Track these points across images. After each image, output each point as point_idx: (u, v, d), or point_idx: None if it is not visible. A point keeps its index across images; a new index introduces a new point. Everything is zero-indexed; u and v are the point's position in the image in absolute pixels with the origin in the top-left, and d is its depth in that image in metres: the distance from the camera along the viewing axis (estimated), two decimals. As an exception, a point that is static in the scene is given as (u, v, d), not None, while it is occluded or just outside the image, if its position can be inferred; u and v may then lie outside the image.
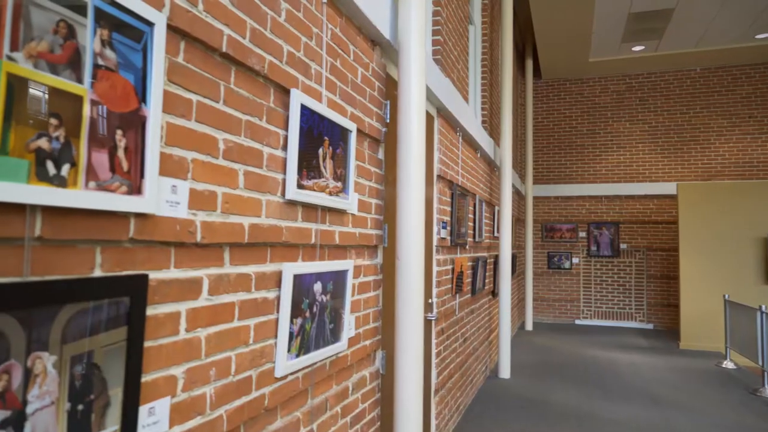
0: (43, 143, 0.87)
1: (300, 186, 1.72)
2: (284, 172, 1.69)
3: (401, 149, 2.41)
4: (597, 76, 10.11)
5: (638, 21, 7.75)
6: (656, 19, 7.65)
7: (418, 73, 2.43)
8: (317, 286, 1.86)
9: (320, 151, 1.86)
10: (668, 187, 9.48)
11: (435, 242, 3.64)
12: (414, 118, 2.40)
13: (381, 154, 2.60)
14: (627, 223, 9.76)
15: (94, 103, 0.97)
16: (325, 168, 1.90)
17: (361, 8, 2.18)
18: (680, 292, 7.80)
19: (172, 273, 1.23)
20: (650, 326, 9.54)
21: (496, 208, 6.44)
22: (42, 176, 0.88)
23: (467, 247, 4.73)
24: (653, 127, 9.73)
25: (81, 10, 0.95)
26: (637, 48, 8.77)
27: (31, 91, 0.85)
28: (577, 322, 9.97)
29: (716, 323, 7.64)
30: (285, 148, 1.70)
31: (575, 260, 10.05)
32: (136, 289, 1.08)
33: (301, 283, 1.74)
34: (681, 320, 7.77)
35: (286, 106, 1.71)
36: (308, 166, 1.78)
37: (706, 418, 4.51)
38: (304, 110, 1.74)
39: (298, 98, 1.69)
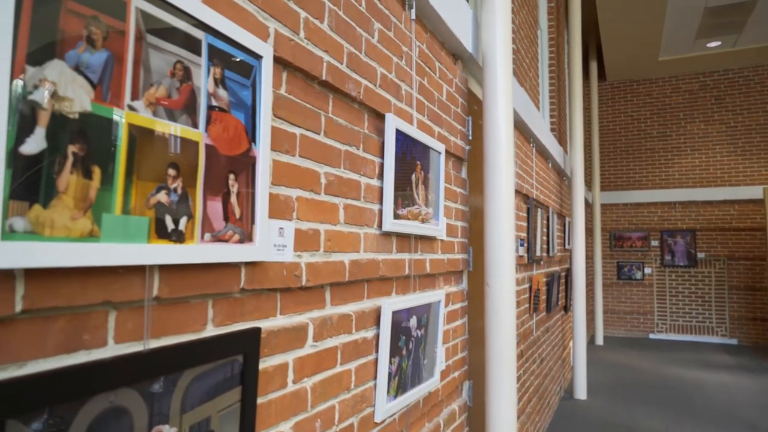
0: (162, 197, 0.80)
1: (396, 216, 1.61)
2: (380, 203, 1.59)
3: (489, 170, 2.27)
4: (667, 75, 9.58)
5: (715, 15, 7.27)
6: (736, 12, 7.15)
7: (504, 89, 2.28)
8: (413, 321, 1.74)
9: (413, 176, 1.75)
10: (751, 191, 8.81)
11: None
12: (502, 136, 2.26)
13: (464, 173, 2.47)
14: (704, 230, 9.15)
15: (208, 147, 0.90)
16: (417, 194, 1.79)
17: (446, 21, 2.07)
18: (770, 305, 7.19)
19: (279, 321, 1.15)
20: (734, 341, 8.87)
21: (567, 219, 6.15)
22: (161, 233, 0.80)
23: (542, 263, 4.51)
24: (731, 127, 9.10)
25: (195, 48, 0.87)
26: (713, 44, 8.23)
27: (150, 141, 0.78)
28: (651, 336, 9.42)
29: (814, 340, 6.98)
30: (381, 176, 1.59)
31: (647, 270, 9.51)
32: (250, 345, 0.99)
33: (398, 319, 1.63)
34: (772, 336, 7.15)
35: (379, 132, 1.61)
36: (402, 194, 1.67)
37: (817, 451, 4.07)
38: (399, 135, 1.63)
39: (392, 123, 1.59)
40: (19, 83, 0.60)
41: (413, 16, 1.85)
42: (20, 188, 0.60)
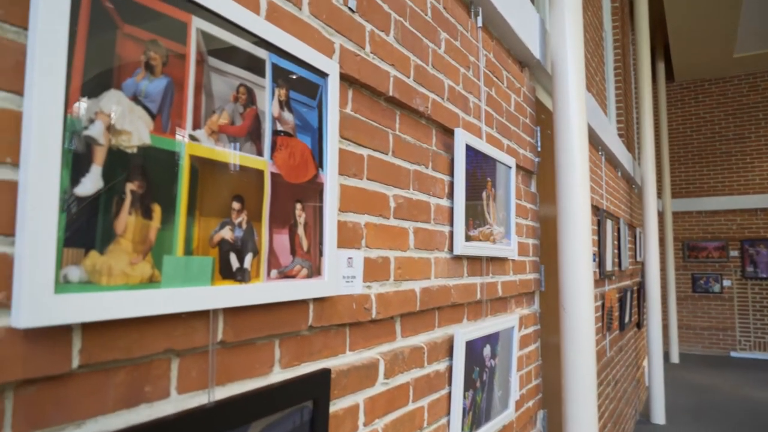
0: (226, 233, 0.73)
1: (467, 238, 1.50)
2: (451, 224, 1.48)
3: (561, 184, 2.12)
4: (743, 72, 8.94)
5: (798, 7, 6.71)
6: (822, 2, 6.57)
7: (576, 97, 2.13)
8: (486, 350, 1.61)
9: (483, 194, 1.63)
10: None
11: (585, 277, 3.24)
12: (576, 147, 2.10)
13: (533, 187, 2.32)
14: (791, 238, 8.41)
15: (274, 176, 0.82)
16: (488, 213, 1.66)
17: (513, 27, 1.95)
18: None
19: (348, 358, 1.06)
20: (830, 360, 8.07)
21: (638, 230, 5.80)
22: (225, 273, 0.73)
23: (614, 278, 4.24)
24: (820, 126, 8.36)
25: (259, 69, 0.81)
26: (796, 37, 7.61)
27: (213, 173, 0.71)
28: (733, 354, 8.72)
29: None
30: (450, 196, 1.49)
31: (727, 282, 8.84)
32: (320, 389, 0.91)
33: (472, 349, 1.51)
34: None
35: (447, 148, 1.51)
36: (473, 214, 1.56)
37: None
38: (468, 151, 1.52)
39: (462, 138, 1.48)
40: (73, 118, 0.54)
41: (480, 24, 1.75)
42: (75, 234, 0.54)
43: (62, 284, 0.53)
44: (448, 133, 1.52)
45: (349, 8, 1.09)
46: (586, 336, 2.06)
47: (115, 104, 0.58)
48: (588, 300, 2.09)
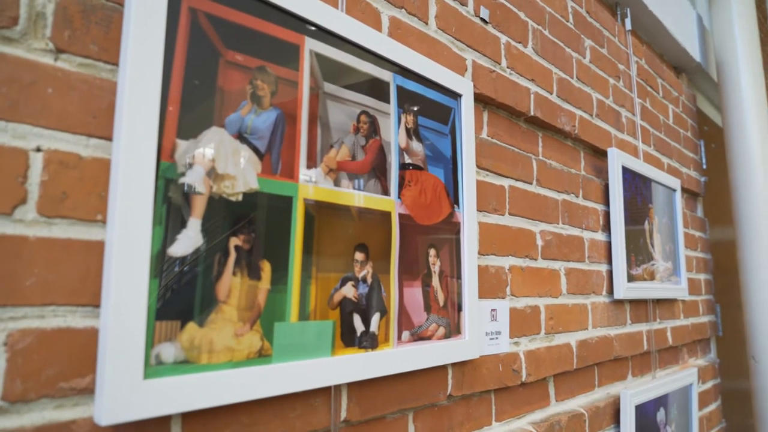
0: (348, 291, 0.60)
1: (629, 277, 1.25)
2: (609, 262, 1.24)
3: (741, 209, 1.74)
4: None
5: None
6: None
7: (755, 102, 1.76)
8: (660, 414, 1.32)
9: (646, 224, 1.37)
10: None
11: None
12: (758, 163, 1.73)
13: (700, 212, 1.96)
14: None
15: (402, 218, 0.69)
16: (652, 246, 1.39)
17: (666, 27, 1.67)
18: None
19: (495, 430, 0.88)
20: None
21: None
22: (348, 339, 0.60)
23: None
24: None
25: (382, 94, 0.69)
26: None
27: (332, 219, 0.59)
28: None
29: None
30: (606, 228, 1.25)
31: None
32: (463, 478, 0.73)
33: (642, 414, 1.23)
34: None
35: (598, 172, 1.28)
36: (635, 248, 1.30)
37: None
38: (625, 173, 1.28)
39: (617, 159, 1.25)
40: (167, 163, 0.45)
41: (629, 26, 1.50)
42: (169, 303, 0.45)
43: (153, 367, 0.43)
44: (598, 154, 1.29)
45: (481, 19, 0.94)
46: (789, 396, 1.64)
47: (216, 144, 0.49)
48: (787, 350, 1.67)
